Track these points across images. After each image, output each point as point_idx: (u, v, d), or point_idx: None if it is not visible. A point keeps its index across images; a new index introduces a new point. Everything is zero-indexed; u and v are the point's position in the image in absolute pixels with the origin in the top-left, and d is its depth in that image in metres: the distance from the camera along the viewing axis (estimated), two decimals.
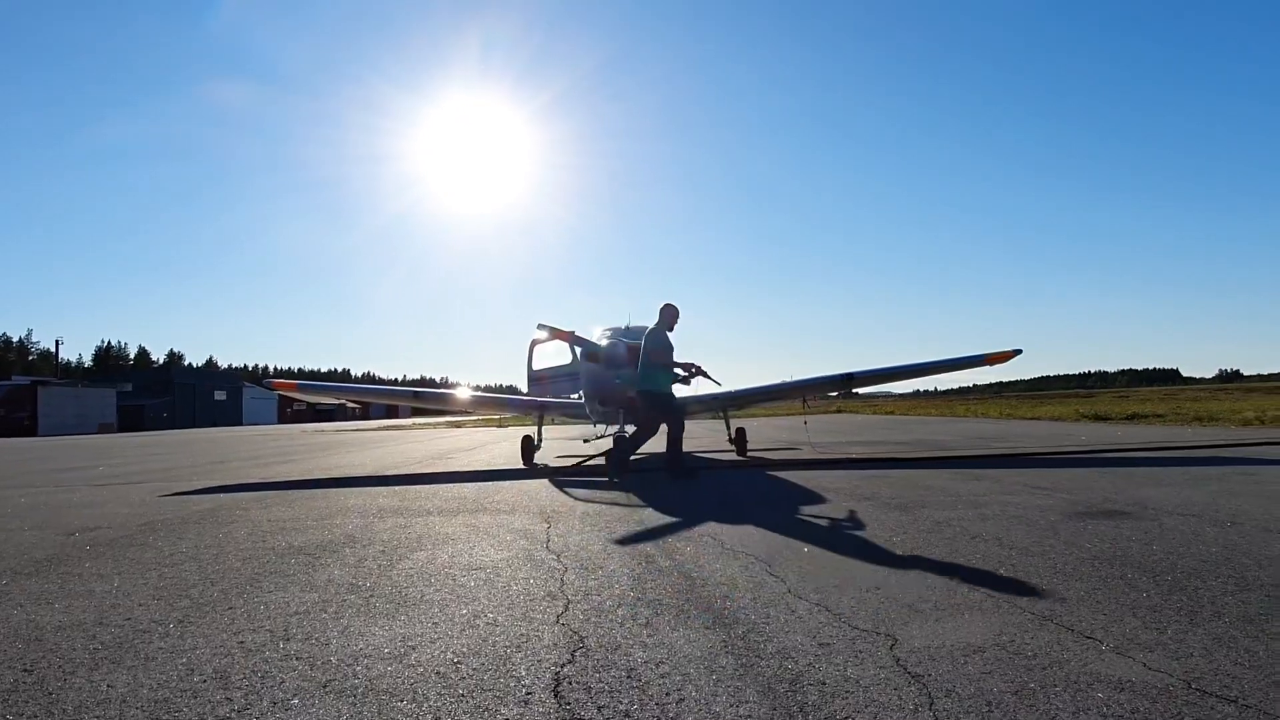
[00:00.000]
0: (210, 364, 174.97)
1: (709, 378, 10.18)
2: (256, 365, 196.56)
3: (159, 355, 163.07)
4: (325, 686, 2.61)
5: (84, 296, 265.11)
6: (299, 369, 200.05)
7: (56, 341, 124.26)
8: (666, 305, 10.01)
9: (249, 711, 2.42)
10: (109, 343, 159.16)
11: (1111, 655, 2.70)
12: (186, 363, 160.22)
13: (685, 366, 10.04)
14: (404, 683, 2.63)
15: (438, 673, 2.71)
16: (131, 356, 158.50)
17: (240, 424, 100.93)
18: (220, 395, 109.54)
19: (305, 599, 3.84)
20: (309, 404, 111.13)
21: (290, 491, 9.37)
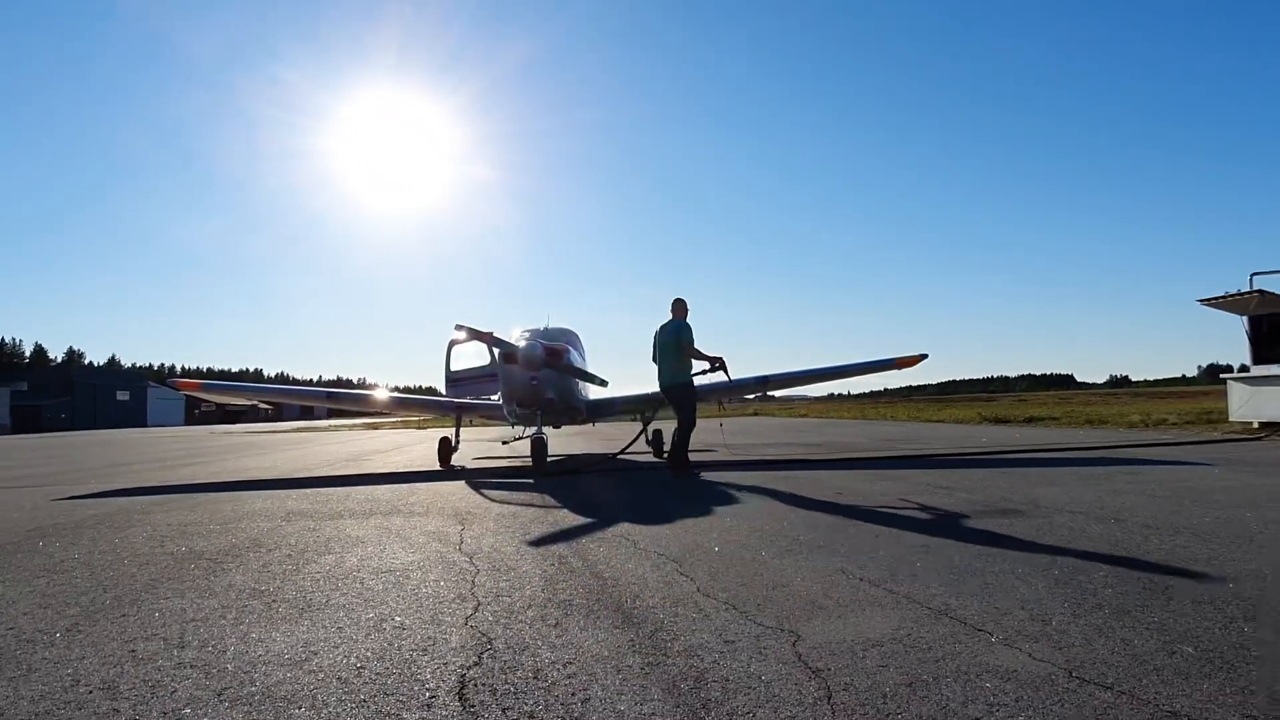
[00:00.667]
0: (113, 363, 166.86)
1: (727, 374, 10.24)
2: (163, 365, 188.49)
3: (57, 354, 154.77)
4: (220, 695, 2.54)
5: None
6: (208, 369, 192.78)
7: None
8: (679, 299, 10.09)
9: None
10: (1, 340, 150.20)
11: (1000, 646, 2.82)
12: (87, 361, 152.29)
13: (712, 360, 10.12)
14: (303, 689, 2.57)
15: (339, 678, 2.67)
16: (27, 354, 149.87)
17: (145, 426, 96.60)
18: (123, 396, 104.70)
19: (204, 605, 3.72)
20: (218, 405, 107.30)
21: (194, 495, 9.04)
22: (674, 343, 9.86)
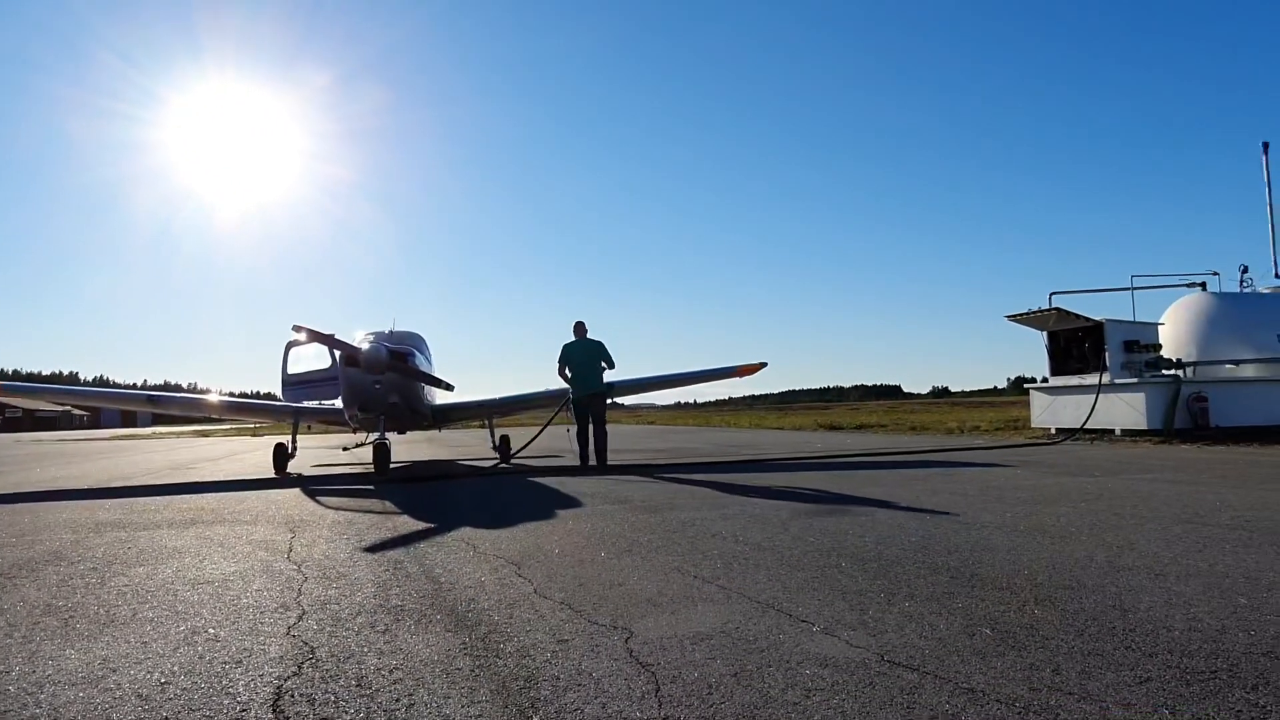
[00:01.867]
0: None
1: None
2: None
3: None
4: None
5: None
6: (14, 371, 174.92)
7: None
8: (580, 321, 11.65)
9: None
10: None
11: (820, 635, 2.97)
12: None
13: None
14: (97, 708, 2.37)
15: (139, 694, 2.48)
16: None
17: None
18: None
19: None
20: (26, 411, 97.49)
21: None
22: (594, 357, 11.37)
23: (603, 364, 11.43)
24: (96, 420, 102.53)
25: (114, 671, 2.71)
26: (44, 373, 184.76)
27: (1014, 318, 17.48)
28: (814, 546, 4.73)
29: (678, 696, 2.40)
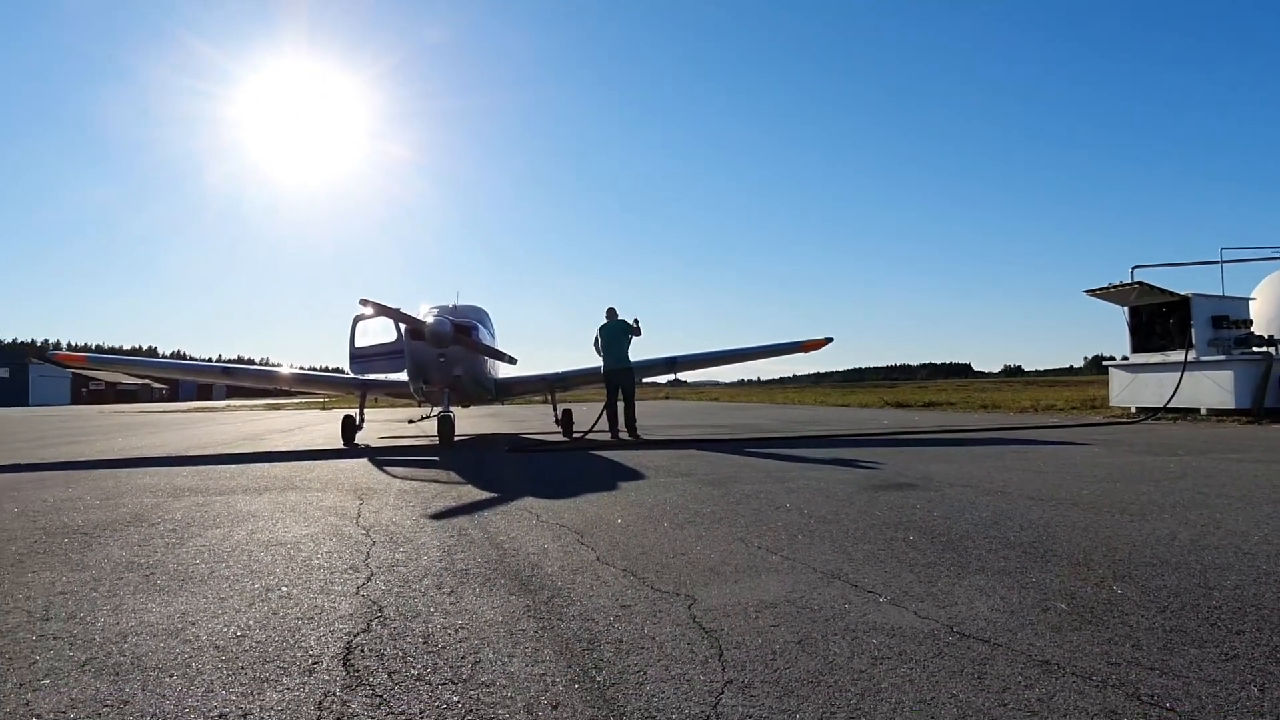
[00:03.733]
0: None
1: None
2: (46, 341, 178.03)
3: None
4: (84, 666, 2.39)
5: None
6: (97, 345, 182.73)
7: None
8: (612, 307, 12.77)
9: None
10: None
11: (887, 606, 2.90)
12: None
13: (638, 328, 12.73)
14: (176, 658, 2.45)
15: (216, 646, 2.55)
16: None
17: (26, 405, 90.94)
18: (2, 372, 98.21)
19: (74, 579, 3.51)
20: (109, 384, 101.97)
21: (74, 472, 8.55)
22: (622, 334, 12.44)
23: (630, 335, 12.54)
24: (175, 393, 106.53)
25: (192, 624, 2.79)
26: (123, 347, 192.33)
27: (1093, 292, 16.85)
28: (880, 520, 4.64)
29: (741, 661, 2.36)
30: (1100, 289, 16.69)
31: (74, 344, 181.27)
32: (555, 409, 14.66)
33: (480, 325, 12.32)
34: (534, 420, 19.80)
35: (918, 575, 3.33)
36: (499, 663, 2.39)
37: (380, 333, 13.50)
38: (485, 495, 6.10)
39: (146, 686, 2.23)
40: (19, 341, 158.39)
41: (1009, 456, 8.29)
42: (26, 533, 4.70)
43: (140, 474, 8.14)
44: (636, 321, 12.65)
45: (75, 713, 2.06)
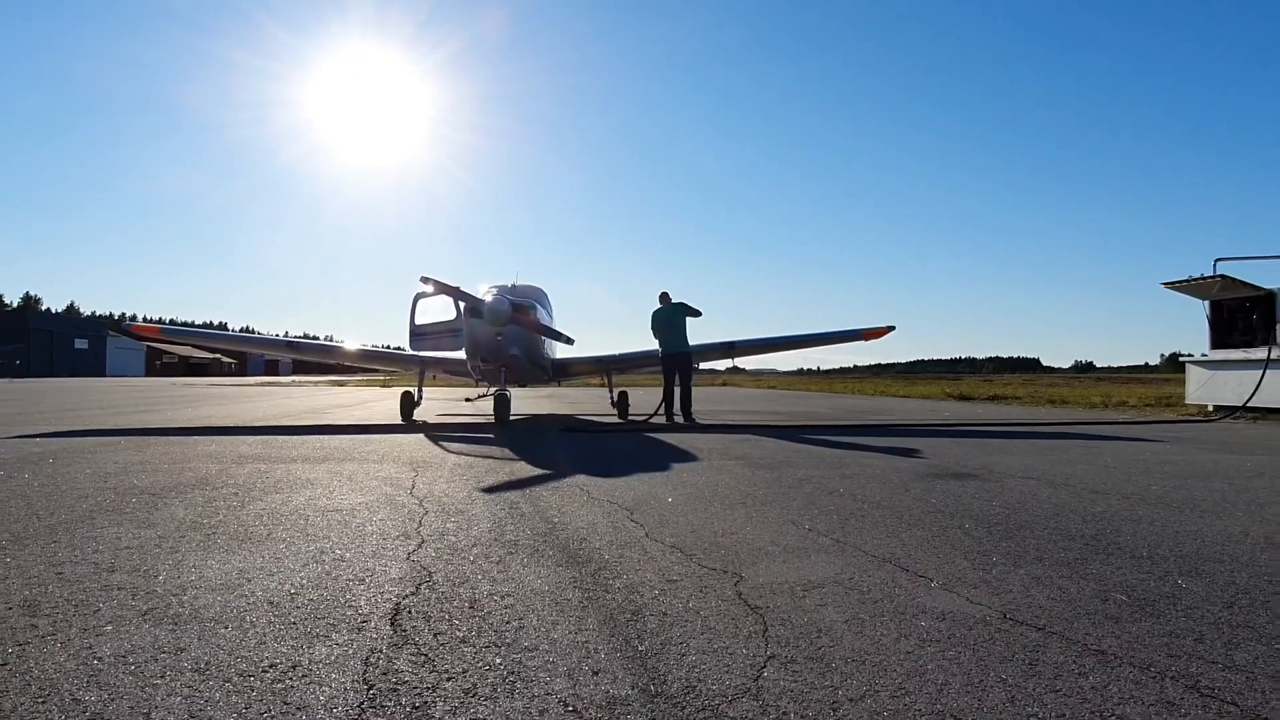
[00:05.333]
0: (71, 310, 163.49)
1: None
2: (123, 314, 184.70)
3: (13, 298, 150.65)
4: (145, 615, 2.47)
5: None
6: (170, 320, 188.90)
7: None
8: (665, 291, 12.88)
9: (54, 637, 2.27)
10: None
11: (939, 591, 2.83)
12: (44, 307, 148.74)
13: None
14: (232, 611, 2.51)
15: (271, 602, 2.61)
16: None
17: (103, 375, 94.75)
18: (81, 344, 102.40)
19: (140, 535, 3.64)
20: (181, 358, 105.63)
21: (145, 438, 8.87)
22: (679, 319, 12.47)
23: (687, 317, 12.53)
24: (244, 368, 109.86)
25: (249, 581, 2.87)
26: (195, 322, 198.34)
27: (1172, 285, 16.19)
28: (936, 507, 4.54)
29: (786, 638, 2.33)
30: (1179, 282, 16.04)
31: (148, 317, 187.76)
32: (611, 391, 14.70)
33: (538, 305, 12.40)
34: (589, 402, 19.91)
35: (972, 562, 3.25)
36: (542, 629, 2.40)
37: (440, 311, 13.68)
38: (537, 471, 6.14)
39: (202, 636, 2.29)
40: (97, 314, 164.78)
41: (1075, 450, 8.04)
42: (97, 492, 4.88)
43: (207, 442, 8.41)
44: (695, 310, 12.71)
45: (134, 657, 2.13)
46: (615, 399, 14.13)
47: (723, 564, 3.20)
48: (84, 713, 1.81)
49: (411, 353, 14.16)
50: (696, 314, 12.62)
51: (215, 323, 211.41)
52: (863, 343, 14.56)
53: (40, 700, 1.86)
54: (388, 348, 17.01)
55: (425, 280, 11.06)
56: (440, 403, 18.86)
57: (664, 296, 12.85)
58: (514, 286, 12.61)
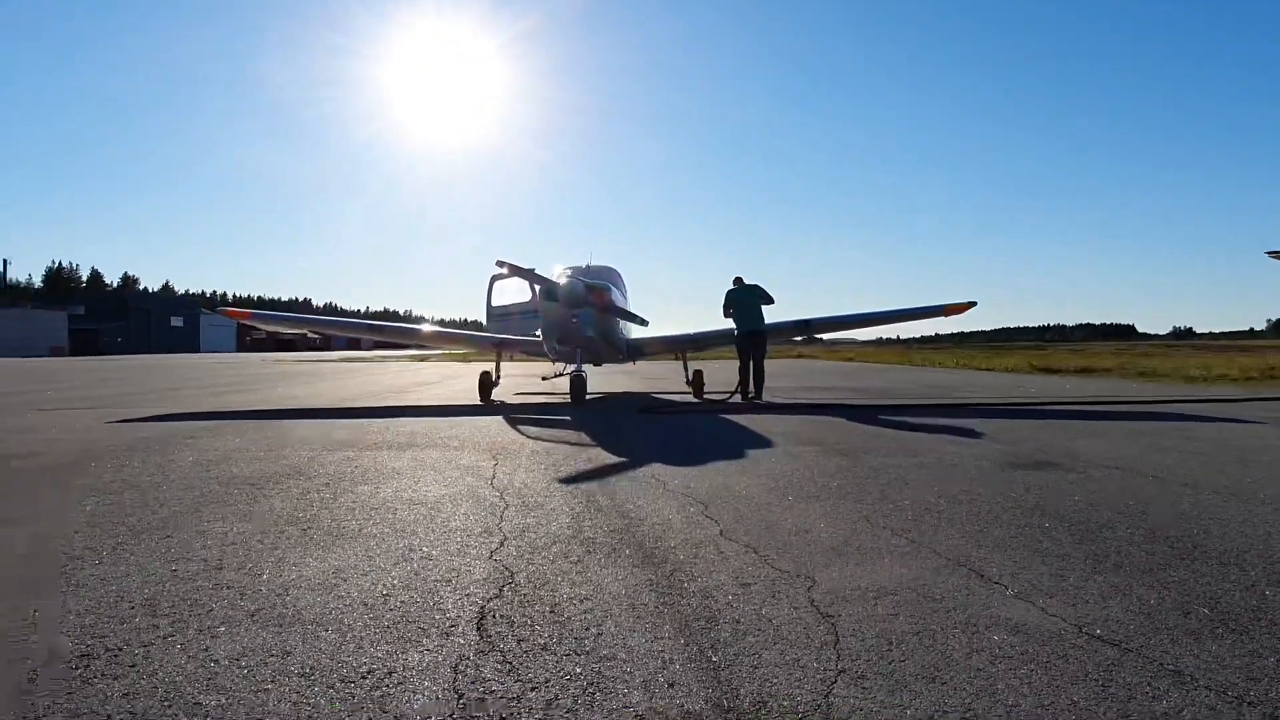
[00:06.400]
0: (167, 289, 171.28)
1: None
2: (215, 292, 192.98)
3: (113, 278, 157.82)
4: (253, 616, 2.67)
5: (33, 213, 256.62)
6: (258, 297, 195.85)
7: (3, 261, 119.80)
8: (738, 276, 12.96)
9: (174, 639, 2.47)
10: (60, 263, 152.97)
11: (1012, 599, 2.83)
12: (142, 287, 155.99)
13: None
14: (331, 613, 2.69)
15: (365, 604, 2.78)
16: (84, 279, 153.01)
17: (198, 351, 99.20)
18: (177, 322, 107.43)
19: (243, 530, 3.88)
20: (269, 334, 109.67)
21: (242, 421, 9.33)
22: (754, 299, 12.61)
23: (762, 302, 12.65)
24: (327, 343, 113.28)
25: (344, 581, 3.05)
26: (281, 299, 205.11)
27: (1276, 254, 15.38)
28: (1015, 502, 4.49)
29: (856, 650, 2.39)
30: None
31: (238, 295, 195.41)
32: (686, 369, 14.75)
33: (613, 286, 12.49)
34: (665, 379, 19.99)
35: (1049, 567, 3.23)
36: (620, 636, 2.50)
37: (516, 292, 13.95)
38: (614, 459, 6.27)
39: (306, 639, 2.46)
40: (191, 293, 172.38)
41: (1167, 433, 7.77)
42: (202, 482, 5.20)
43: (298, 426, 8.81)
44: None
45: (246, 660, 2.31)
46: (690, 377, 14.17)
47: (796, 566, 3.26)
48: (206, 717, 1.98)
49: (488, 334, 14.47)
50: (769, 300, 12.67)
51: (299, 299, 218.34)
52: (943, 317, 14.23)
53: (167, 704, 2.05)
54: (465, 322, 17.42)
55: (500, 264, 11.29)
56: (519, 380, 19.22)
57: (738, 280, 12.94)
58: (588, 267, 12.74)
